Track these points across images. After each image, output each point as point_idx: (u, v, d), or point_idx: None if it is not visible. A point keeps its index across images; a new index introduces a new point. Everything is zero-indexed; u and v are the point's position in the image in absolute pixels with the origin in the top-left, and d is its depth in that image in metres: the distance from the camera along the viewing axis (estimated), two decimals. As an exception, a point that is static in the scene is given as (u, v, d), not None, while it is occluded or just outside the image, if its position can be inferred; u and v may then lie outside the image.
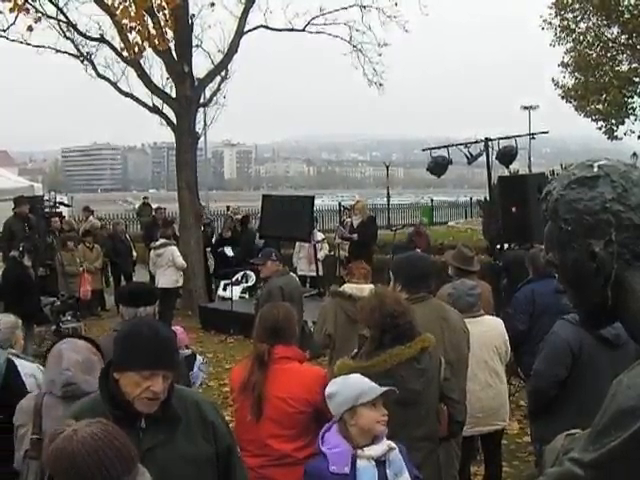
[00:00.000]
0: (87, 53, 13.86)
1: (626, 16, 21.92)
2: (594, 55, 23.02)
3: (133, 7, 12.30)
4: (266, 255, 7.57)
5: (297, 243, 13.25)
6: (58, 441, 1.91)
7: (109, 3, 12.69)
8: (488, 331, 4.86)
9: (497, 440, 5.21)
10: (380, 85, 16.10)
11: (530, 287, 5.72)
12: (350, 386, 2.97)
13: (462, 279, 5.28)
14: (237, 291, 12.74)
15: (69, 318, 10.02)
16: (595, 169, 1.41)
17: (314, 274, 12.51)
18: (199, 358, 5.72)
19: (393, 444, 2.93)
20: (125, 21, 12.43)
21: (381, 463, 2.89)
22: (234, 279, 13.00)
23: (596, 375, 3.67)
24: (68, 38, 13.65)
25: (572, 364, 3.80)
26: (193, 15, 13.58)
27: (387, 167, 38.96)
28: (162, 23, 12.69)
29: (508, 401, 5.24)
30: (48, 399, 3.16)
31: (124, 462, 1.83)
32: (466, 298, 4.80)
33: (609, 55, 23.14)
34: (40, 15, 13.12)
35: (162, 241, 11.59)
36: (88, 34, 13.53)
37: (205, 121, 18.09)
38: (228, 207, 20.50)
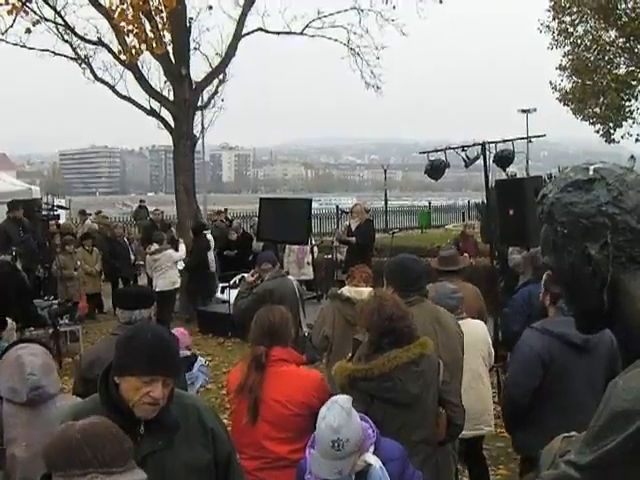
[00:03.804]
0: (85, 56, 13.91)
1: (624, 19, 21.94)
2: (592, 58, 23.00)
3: (130, 10, 12.33)
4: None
5: (287, 247, 13.18)
6: (56, 432, 1.91)
7: (107, 6, 12.72)
8: (470, 334, 4.82)
9: (479, 445, 5.16)
10: (378, 88, 16.15)
11: (527, 289, 5.70)
12: (319, 430, 2.78)
13: (443, 282, 5.23)
14: (235, 294, 12.68)
15: (67, 321, 10.01)
16: (591, 172, 1.42)
17: (305, 278, 12.47)
18: (200, 359, 5.69)
19: (372, 460, 2.81)
20: (122, 24, 12.47)
21: (362, 475, 2.80)
22: (232, 282, 12.96)
23: (571, 380, 3.66)
24: (66, 41, 13.69)
25: (544, 374, 3.76)
26: (191, 18, 13.63)
27: (385, 170, 38.91)
28: (159, 26, 12.72)
29: (492, 405, 5.19)
30: (8, 407, 3.02)
31: (119, 447, 1.83)
32: (447, 301, 4.75)
33: (607, 58, 23.13)
34: (38, 18, 13.15)
35: (157, 246, 11.64)
36: (86, 37, 13.57)
37: (203, 124, 18.04)
38: (219, 211, 18.76)
